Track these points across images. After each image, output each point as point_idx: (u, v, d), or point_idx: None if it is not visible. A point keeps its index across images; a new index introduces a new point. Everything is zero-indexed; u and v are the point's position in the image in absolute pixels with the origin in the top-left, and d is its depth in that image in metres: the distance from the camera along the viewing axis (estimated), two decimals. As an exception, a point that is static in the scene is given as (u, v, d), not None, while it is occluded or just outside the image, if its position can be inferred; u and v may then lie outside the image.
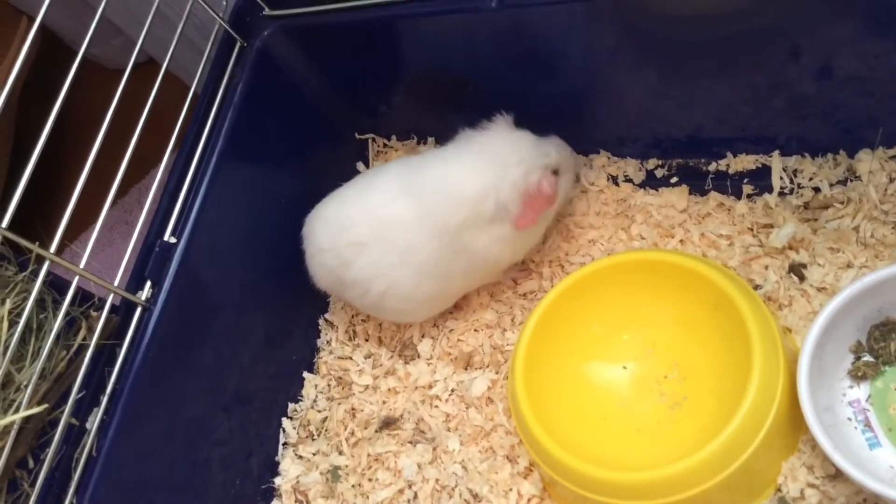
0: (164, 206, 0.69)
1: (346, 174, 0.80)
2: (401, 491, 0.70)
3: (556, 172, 0.68)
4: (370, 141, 0.87)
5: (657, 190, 0.75)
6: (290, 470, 0.74)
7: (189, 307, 0.68)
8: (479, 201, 0.65)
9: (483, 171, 0.65)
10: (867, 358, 0.61)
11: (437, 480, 0.69)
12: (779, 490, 0.60)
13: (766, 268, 0.67)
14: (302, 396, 0.78)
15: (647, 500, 0.58)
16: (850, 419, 0.60)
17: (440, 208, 0.66)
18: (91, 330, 0.64)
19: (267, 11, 0.75)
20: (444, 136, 0.74)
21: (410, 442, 0.73)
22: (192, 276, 0.68)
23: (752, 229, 0.70)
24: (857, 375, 0.61)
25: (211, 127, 0.71)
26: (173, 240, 0.67)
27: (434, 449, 0.71)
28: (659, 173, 0.76)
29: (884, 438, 0.58)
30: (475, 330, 0.76)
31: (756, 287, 0.66)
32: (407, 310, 0.73)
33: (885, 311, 0.60)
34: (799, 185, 0.70)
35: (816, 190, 0.69)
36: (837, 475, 0.57)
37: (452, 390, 0.74)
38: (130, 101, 0.70)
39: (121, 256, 0.62)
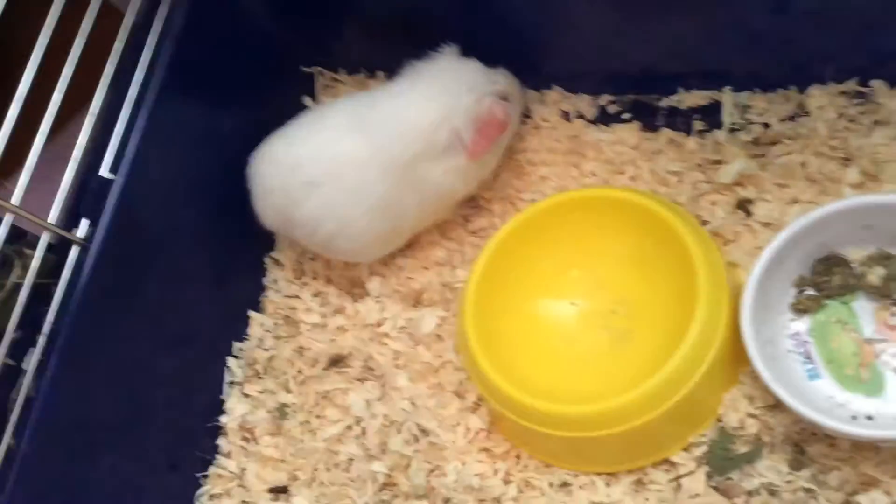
0: (100, 140, 0.66)
1: (294, 108, 0.78)
2: (349, 427, 0.70)
3: (505, 100, 0.68)
4: (317, 74, 0.85)
5: (609, 126, 0.75)
6: (235, 408, 0.73)
7: (128, 245, 0.66)
8: (432, 132, 0.65)
9: (434, 102, 0.65)
10: (810, 292, 0.61)
11: (385, 416, 0.69)
12: (719, 420, 0.61)
13: (714, 204, 0.68)
14: (248, 335, 0.77)
15: (591, 431, 0.59)
16: (791, 351, 0.61)
17: (393, 143, 0.66)
18: (25, 268, 0.62)
19: (207, -66, 0.72)
20: (394, 71, 0.73)
21: (359, 379, 0.72)
22: (131, 214, 0.66)
23: (701, 165, 0.70)
24: (800, 309, 0.61)
25: (151, 57, 0.68)
26: (110, 175, 0.65)
27: (382, 386, 0.71)
28: (611, 109, 0.76)
29: (823, 370, 0.60)
30: (425, 268, 0.75)
31: (704, 223, 0.67)
32: (358, 249, 0.72)
33: (828, 245, 0.61)
34: (749, 120, 0.70)
35: (766, 126, 0.69)
36: (777, 405, 0.58)
37: (401, 328, 0.73)
38: (69, 33, 0.67)
39: (55, 192, 0.60)
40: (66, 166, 0.67)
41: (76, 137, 0.68)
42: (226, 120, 0.76)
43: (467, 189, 0.71)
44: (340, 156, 0.68)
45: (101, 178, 0.66)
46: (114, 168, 0.66)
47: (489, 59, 0.71)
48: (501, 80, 0.69)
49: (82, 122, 0.68)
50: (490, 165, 0.71)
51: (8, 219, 0.62)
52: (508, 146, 0.74)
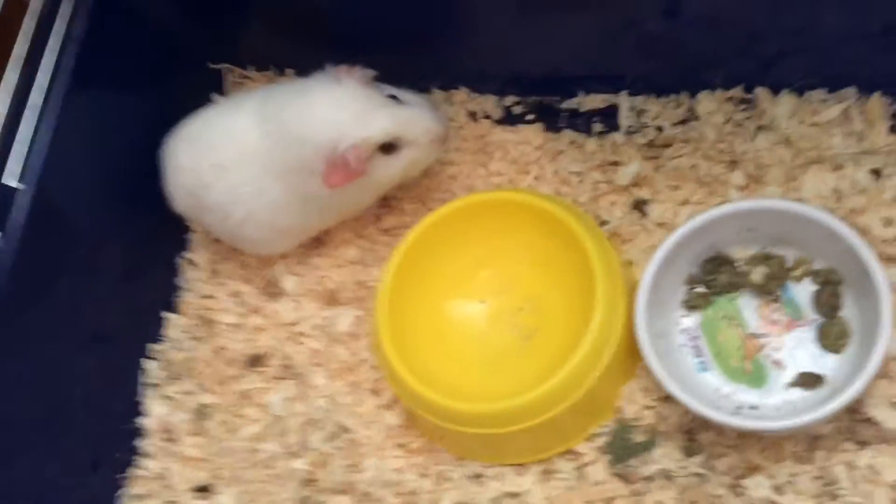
0: (2, 147, 0.66)
1: (202, 104, 0.78)
2: (269, 425, 0.72)
3: (391, 146, 0.66)
4: (226, 71, 0.85)
5: (514, 126, 0.77)
6: (155, 409, 0.74)
7: (40, 250, 0.66)
8: (306, 149, 0.65)
9: (314, 123, 0.65)
10: (699, 289, 0.66)
11: (304, 414, 0.71)
12: (619, 412, 0.65)
13: (613, 204, 0.71)
14: (164, 337, 0.78)
15: (500, 427, 0.63)
16: (682, 345, 0.65)
17: (279, 147, 0.67)
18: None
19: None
20: (304, 68, 0.73)
21: (277, 378, 0.74)
22: (41, 221, 0.66)
23: (601, 166, 0.73)
24: (690, 305, 0.66)
25: (57, 57, 0.68)
26: (18, 184, 0.64)
27: (301, 384, 0.73)
28: (516, 110, 0.78)
29: (711, 363, 0.64)
30: (339, 266, 0.77)
31: (603, 223, 0.70)
32: (267, 239, 0.74)
33: (715, 246, 0.65)
34: (644, 124, 0.73)
35: (660, 129, 0.73)
36: (670, 398, 0.62)
37: (318, 326, 0.75)
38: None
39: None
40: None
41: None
42: (134, 119, 0.76)
43: (356, 205, 0.73)
44: (247, 146, 0.68)
45: (6, 186, 0.65)
46: (20, 176, 0.66)
47: (395, 57, 0.72)
48: (388, 123, 0.65)
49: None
50: (366, 195, 0.71)
51: None
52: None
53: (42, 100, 0.67)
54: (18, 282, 0.64)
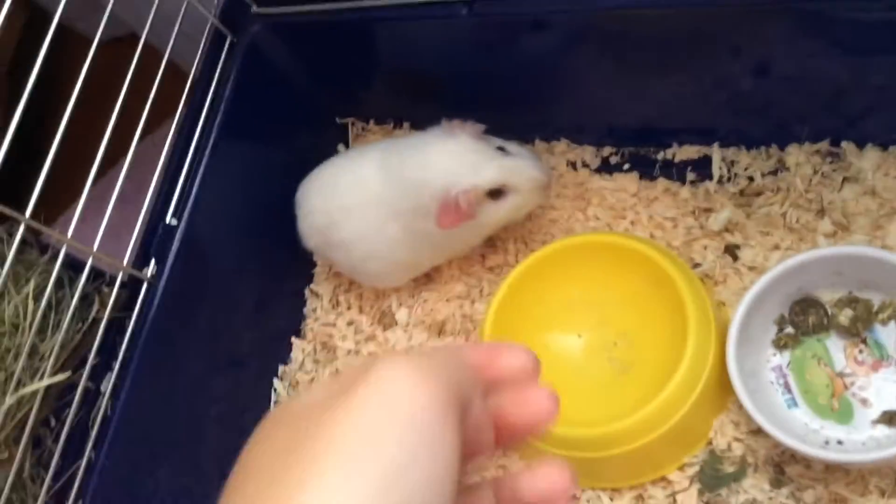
0: (165, 190, 0.76)
1: (329, 154, 0.87)
2: (381, 444, 0.79)
3: (499, 192, 0.72)
4: (350, 124, 0.94)
5: (611, 175, 0.83)
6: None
7: (188, 281, 0.76)
8: (414, 192, 0.73)
9: (422, 170, 0.73)
10: (789, 330, 0.70)
11: (412, 435, 0.78)
12: (710, 443, 0.69)
13: (705, 248, 0.76)
14: (290, 359, 0.86)
15: (596, 451, 0.67)
16: (772, 383, 0.69)
17: (396, 192, 0.75)
18: (104, 304, 0.71)
19: (255, 9, 0.81)
20: (418, 121, 0.82)
21: (389, 401, 0.81)
22: (191, 253, 0.76)
23: (693, 213, 0.78)
24: (780, 345, 0.70)
25: (206, 115, 0.78)
26: (174, 221, 0.74)
27: (410, 407, 0.80)
28: (613, 160, 0.84)
29: (800, 399, 0.68)
30: (447, 300, 0.84)
31: (695, 266, 0.75)
32: (384, 273, 0.82)
33: (804, 289, 0.69)
34: (735, 174, 0.78)
35: (751, 179, 0.77)
36: (759, 431, 0.66)
37: (427, 355, 0.82)
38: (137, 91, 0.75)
39: (119, 228, 0.69)
40: (128, 206, 0.77)
41: (134, 180, 0.77)
42: (271, 167, 0.85)
43: (464, 245, 0.80)
44: (370, 190, 0.77)
45: (167, 224, 0.75)
46: (177, 214, 0.76)
47: (501, 112, 0.79)
48: (495, 172, 0.71)
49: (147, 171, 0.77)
50: (475, 235, 0.78)
51: (90, 261, 0.71)
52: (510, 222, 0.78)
53: (194, 150, 0.77)
54: (170, 310, 0.74)
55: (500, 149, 0.74)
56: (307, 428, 0.26)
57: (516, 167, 0.73)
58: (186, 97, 0.76)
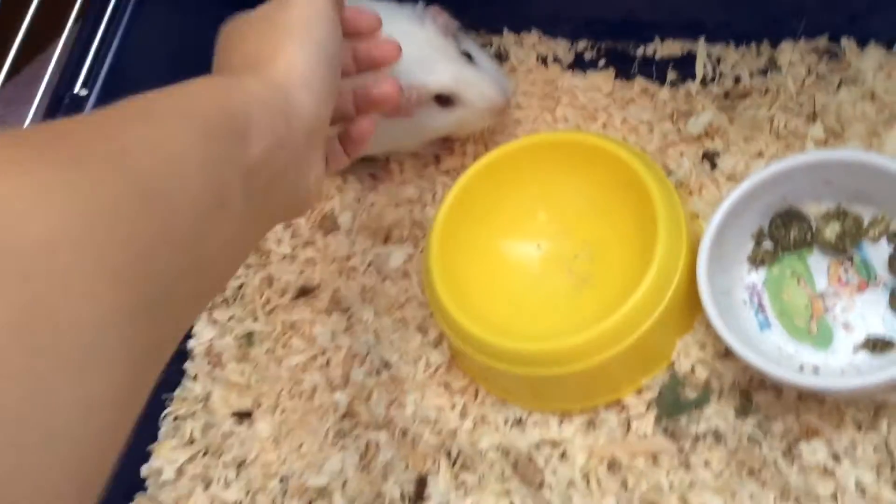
0: (76, 57, 0.67)
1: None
2: (313, 357, 0.72)
3: (447, 100, 0.66)
4: None
5: (584, 73, 0.75)
6: (203, 333, 0.75)
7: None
8: None
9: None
10: (767, 245, 0.63)
11: (349, 348, 0.71)
12: (671, 366, 0.63)
13: (682, 154, 0.69)
14: (218, 262, 0.78)
15: (546, 368, 0.61)
16: (745, 302, 0.62)
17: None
18: None
19: None
20: None
21: (325, 311, 0.74)
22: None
23: (672, 116, 0.70)
24: (756, 261, 0.63)
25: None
26: (84, 91, 0.65)
27: (349, 318, 0.73)
28: (587, 56, 0.76)
29: (774, 321, 0.61)
30: (396, 205, 0.76)
31: (669, 173, 0.68)
32: None
33: (788, 199, 0.62)
34: (721, 73, 0.70)
35: (737, 79, 0.70)
36: (727, 354, 0.60)
37: (370, 262, 0.74)
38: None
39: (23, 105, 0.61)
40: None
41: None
42: (205, 34, 0.76)
43: (400, 142, 0.73)
44: None
45: (75, 94, 0.66)
46: (88, 84, 0.67)
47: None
48: (449, 79, 0.65)
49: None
50: (414, 132, 0.71)
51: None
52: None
53: (112, 9, 0.68)
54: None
55: (467, 55, 0.67)
56: (267, 25, 0.44)
57: (473, 80, 0.66)
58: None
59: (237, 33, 0.46)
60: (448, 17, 0.68)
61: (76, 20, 0.72)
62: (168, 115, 0.34)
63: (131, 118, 0.33)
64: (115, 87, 0.67)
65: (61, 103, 0.65)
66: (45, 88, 0.65)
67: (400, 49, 0.56)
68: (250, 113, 0.37)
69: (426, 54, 0.65)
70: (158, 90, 0.36)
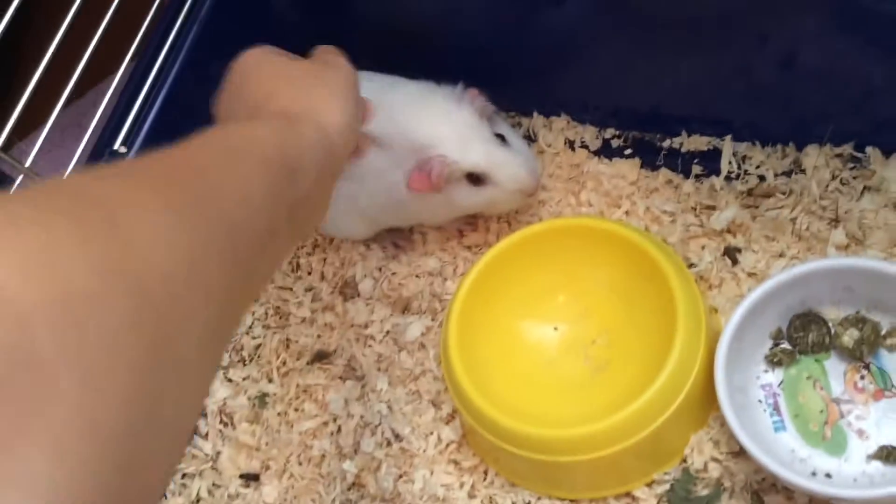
0: (118, 115, 0.68)
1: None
2: (325, 423, 0.72)
3: (478, 179, 0.67)
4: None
5: (611, 159, 0.77)
6: (218, 391, 0.75)
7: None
8: (400, 139, 0.68)
9: (417, 122, 0.68)
10: (785, 345, 0.63)
11: (361, 417, 0.71)
12: (684, 461, 0.62)
13: (703, 248, 0.69)
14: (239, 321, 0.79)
15: (557, 455, 0.61)
16: (760, 402, 0.62)
17: (387, 129, 0.68)
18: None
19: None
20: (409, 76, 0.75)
21: (340, 377, 0.74)
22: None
23: (695, 209, 0.71)
24: (774, 361, 0.63)
25: (174, 39, 0.70)
26: (123, 149, 0.67)
27: (362, 387, 0.73)
28: (614, 143, 0.77)
29: (789, 423, 0.61)
30: (417, 276, 0.77)
31: (690, 265, 0.68)
32: (338, 217, 0.74)
33: (807, 302, 0.62)
34: (746, 171, 0.72)
35: (762, 178, 0.71)
36: (741, 453, 0.60)
37: (387, 332, 0.75)
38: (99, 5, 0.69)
39: (69, 159, 0.62)
40: (81, 133, 0.70)
41: (95, 106, 0.70)
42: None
43: (430, 217, 0.74)
44: None
45: (114, 151, 0.68)
46: (127, 142, 0.68)
47: (503, 76, 0.73)
48: (482, 159, 0.67)
49: (102, 93, 0.70)
50: (439, 211, 0.73)
51: (19, 180, 0.64)
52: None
53: (156, 74, 0.70)
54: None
55: (500, 137, 0.69)
56: (315, 81, 0.51)
57: (505, 161, 0.67)
58: (154, 13, 0.69)
59: (274, 73, 0.51)
60: (484, 100, 0.69)
61: (133, 56, 0.74)
62: (243, 156, 0.40)
63: (216, 155, 0.39)
64: (154, 144, 0.68)
65: (100, 158, 0.66)
66: (88, 140, 0.67)
67: (373, 108, 0.59)
68: (303, 155, 0.44)
69: (461, 133, 0.67)
70: (233, 127, 0.45)
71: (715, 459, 0.62)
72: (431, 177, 0.66)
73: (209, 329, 0.32)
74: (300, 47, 0.83)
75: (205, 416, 0.75)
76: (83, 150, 0.67)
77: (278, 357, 0.76)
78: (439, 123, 0.68)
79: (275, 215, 0.40)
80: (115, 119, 0.68)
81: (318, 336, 0.76)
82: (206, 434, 0.74)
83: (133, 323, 0.27)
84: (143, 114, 0.68)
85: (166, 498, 0.71)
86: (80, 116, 0.77)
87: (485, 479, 0.66)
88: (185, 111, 0.71)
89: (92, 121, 0.70)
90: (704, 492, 0.61)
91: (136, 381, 0.27)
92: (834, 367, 0.62)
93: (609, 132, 0.78)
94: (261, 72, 0.52)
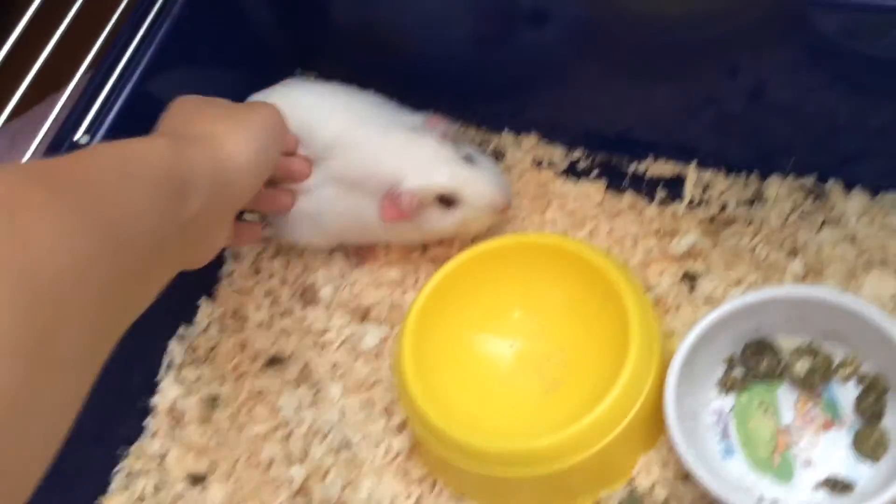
0: (82, 105, 0.68)
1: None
2: (275, 428, 0.71)
3: (449, 201, 0.68)
4: (299, 75, 0.87)
5: (577, 180, 0.77)
6: (168, 390, 0.74)
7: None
8: (365, 169, 0.69)
9: (381, 153, 0.69)
10: (738, 371, 0.63)
11: (312, 423, 0.70)
12: (631, 481, 0.62)
13: (662, 272, 0.69)
14: (194, 322, 0.78)
15: (502, 470, 0.60)
16: (710, 427, 0.62)
17: (354, 155, 0.69)
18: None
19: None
20: (384, 90, 0.75)
21: (294, 382, 0.73)
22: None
23: (657, 233, 0.72)
24: (726, 386, 0.63)
25: (143, 35, 0.70)
26: (85, 139, 0.66)
27: (316, 393, 0.72)
28: (582, 165, 0.78)
29: (738, 449, 0.61)
30: (378, 285, 0.76)
31: (648, 288, 0.68)
32: (306, 228, 0.74)
33: (762, 330, 0.63)
34: (708, 198, 0.72)
35: (724, 207, 0.71)
36: (688, 476, 0.59)
37: (345, 340, 0.74)
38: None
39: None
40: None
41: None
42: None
43: (404, 239, 0.75)
44: (323, 137, 0.70)
45: (75, 142, 0.67)
46: (90, 131, 0.68)
47: (471, 91, 0.73)
48: (449, 181, 0.67)
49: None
50: (413, 236, 0.73)
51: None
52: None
53: (123, 67, 0.70)
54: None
55: (468, 158, 0.69)
56: (228, 115, 0.56)
57: (472, 179, 0.68)
58: (123, 10, 0.69)
59: (194, 109, 0.57)
60: (447, 124, 0.70)
61: (90, 65, 0.74)
62: (135, 172, 0.42)
63: (106, 165, 0.41)
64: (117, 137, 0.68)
65: (59, 148, 0.66)
66: (48, 131, 0.66)
67: (311, 165, 0.69)
68: (193, 179, 0.47)
69: (426, 158, 0.68)
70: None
71: (662, 481, 0.61)
72: (401, 205, 0.66)
73: (94, 332, 0.35)
74: (278, 56, 0.84)
75: (154, 414, 0.74)
76: (40, 142, 0.67)
77: (233, 359, 0.75)
78: (404, 152, 0.68)
79: (164, 234, 0.43)
80: (79, 109, 0.68)
81: (275, 340, 0.75)
82: (155, 432, 0.73)
83: (22, 320, 0.29)
84: (106, 105, 0.68)
85: (108, 493, 0.70)
86: (40, 122, 0.76)
87: (432, 491, 0.66)
88: (151, 104, 0.71)
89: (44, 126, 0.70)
90: (651, 514, 0.61)
91: (18, 374, 0.29)
92: (786, 395, 0.62)
93: (577, 153, 0.78)
94: (183, 107, 0.57)
